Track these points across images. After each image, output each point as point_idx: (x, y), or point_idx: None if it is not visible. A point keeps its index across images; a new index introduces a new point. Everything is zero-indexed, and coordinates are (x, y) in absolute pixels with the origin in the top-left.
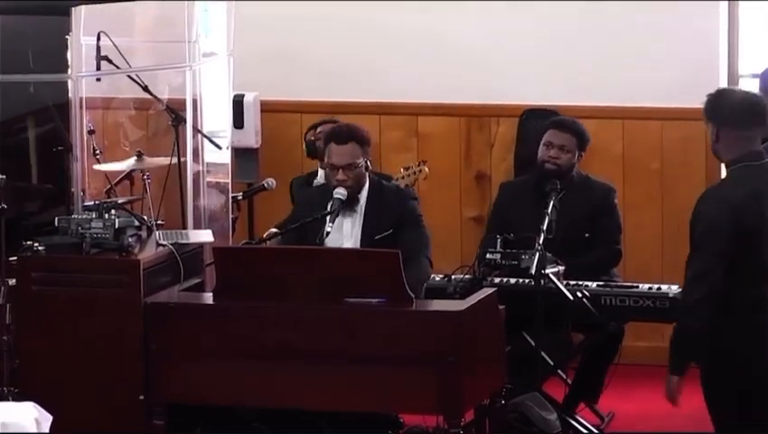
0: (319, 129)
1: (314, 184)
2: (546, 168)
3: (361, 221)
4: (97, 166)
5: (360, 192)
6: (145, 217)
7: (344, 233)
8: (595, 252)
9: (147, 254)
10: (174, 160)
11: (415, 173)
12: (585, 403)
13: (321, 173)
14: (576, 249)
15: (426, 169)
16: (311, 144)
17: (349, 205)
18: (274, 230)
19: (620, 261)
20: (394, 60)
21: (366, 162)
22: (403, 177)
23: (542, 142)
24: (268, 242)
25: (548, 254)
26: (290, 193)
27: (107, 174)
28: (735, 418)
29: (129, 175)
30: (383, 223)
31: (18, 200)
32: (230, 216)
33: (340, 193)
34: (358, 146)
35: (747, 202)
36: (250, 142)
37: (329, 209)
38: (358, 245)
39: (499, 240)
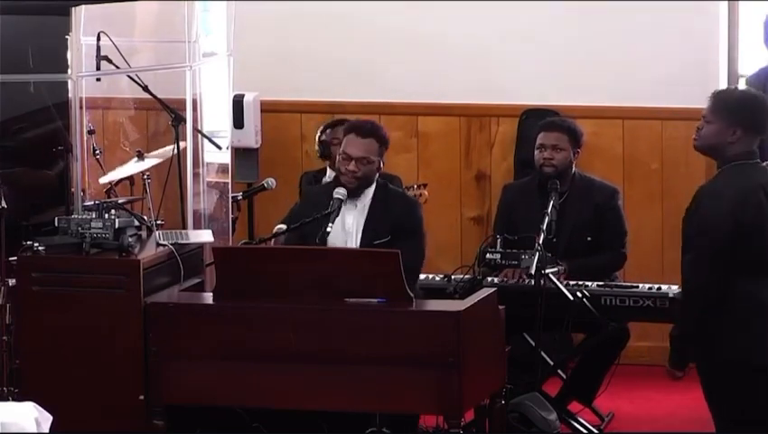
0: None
1: (323, 182)
2: (544, 171)
3: (363, 222)
4: (102, 180)
5: (366, 188)
6: (145, 217)
7: (346, 228)
8: (602, 255)
9: (147, 254)
10: (175, 160)
11: (414, 196)
12: (582, 403)
13: (330, 172)
14: (580, 252)
15: (426, 193)
16: (324, 145)
17: (353, 198)
18: (283, 226)
19: (623, 266)
20: (394, 60)
21: (379, 162)
22: None
23: (535, 147)
24: (274, 241)
25: (549, 254)
26: (299, 187)
27: (106, 174)
28: (735, 414)
29: (129, 175)
30: (383, 229)
31: (17, 199)
32: (230, 216)
33: (340, 193)
34: (377, 143)
35: (745, 195)
36: (250, 142)
37: (329, 209)
38: (358, 244)
39: (499, 240)
